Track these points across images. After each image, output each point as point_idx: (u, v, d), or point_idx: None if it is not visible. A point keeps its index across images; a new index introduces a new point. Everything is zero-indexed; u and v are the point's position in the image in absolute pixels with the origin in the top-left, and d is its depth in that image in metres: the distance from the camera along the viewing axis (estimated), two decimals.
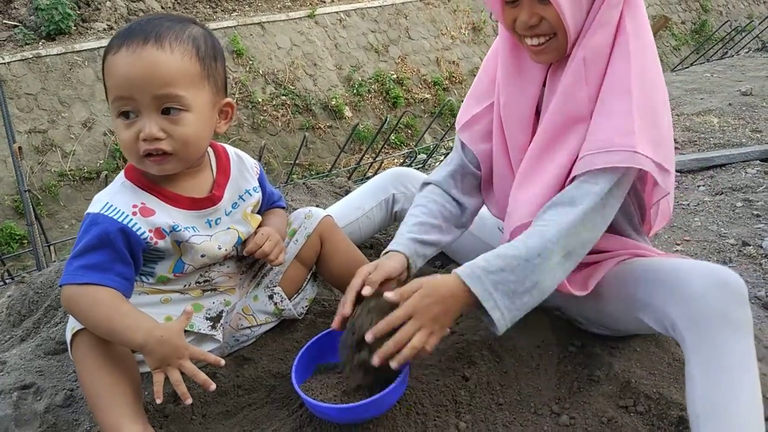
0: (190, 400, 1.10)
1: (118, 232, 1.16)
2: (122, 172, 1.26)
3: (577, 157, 1.25)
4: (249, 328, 1.46)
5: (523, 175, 1.35)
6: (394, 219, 1.89)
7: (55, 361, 1.50)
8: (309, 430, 1.20)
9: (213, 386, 1.10)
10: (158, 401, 1.08)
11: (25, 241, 6.35)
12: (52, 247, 4.07)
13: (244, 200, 1.38)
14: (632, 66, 1.21)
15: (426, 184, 1.55)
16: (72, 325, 1.20)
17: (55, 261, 2.55)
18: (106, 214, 1.17)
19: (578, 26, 1.23)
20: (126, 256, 1.17)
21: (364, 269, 1.26)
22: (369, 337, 1.11)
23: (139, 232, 1.18)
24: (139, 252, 1.20)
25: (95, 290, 1.13)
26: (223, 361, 1.14)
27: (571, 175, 1.25)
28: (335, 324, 1.22)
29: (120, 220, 1.17)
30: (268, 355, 1.44)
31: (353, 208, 1.81)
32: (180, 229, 1.24)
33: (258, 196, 1.42)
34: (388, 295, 1.15)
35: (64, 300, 1.15)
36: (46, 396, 1.37)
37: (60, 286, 1.16)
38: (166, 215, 1.23)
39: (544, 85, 1.35)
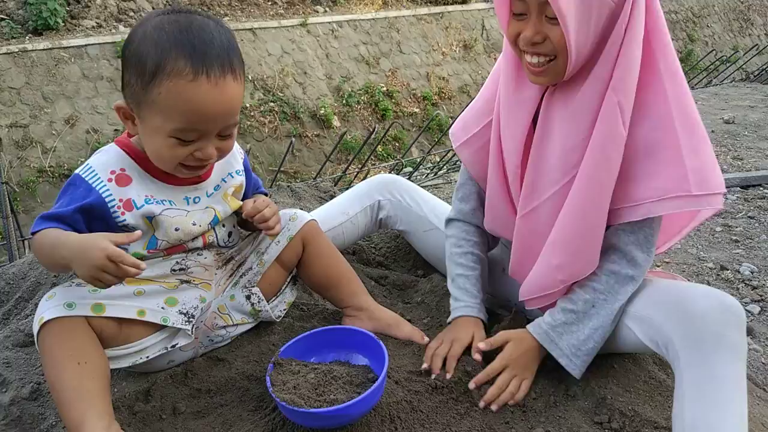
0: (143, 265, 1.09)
1: (88, 205, 1.18)
2: (114, 141, 1.28)
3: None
4: (224, 327, 1.43)
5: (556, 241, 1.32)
6: (378, 225, 1.88)
7: (23, 354, 1.46)
8: None
9: (143, 265, 1.09)
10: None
11: None
12: (26, 242, 3.98)
13: (226, 182, 1.38)
14: (673, 109, 1.20)
15: (454, 220, 1.61)
16: (40, 315, 1.16)
17: (28, 255, 2.50)
18: (83, 176, 1.20)
19: (581, 52, 1.19)
20: (83, 228, 1.19)
21: (465, 341, 1.40)
22: (472, 385, 1.31)
23: (108, 201, 1.20)
24: (109, 220, 1.22)
25: (51, 230, 1.15)
26: (144, 264, 1.10)
27: (624, 220, 1.26)
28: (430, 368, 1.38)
29: (94, 185, 1.19)
30: (243, 357, 1.41)
31: (338, 212, 1.80)
32: (151, 202, 1.24)
33: (241, 179, 1.42)
34: (480, 345, 1.34)
35: (33, 251, 1.17)
36: (12, 388, 1.33)
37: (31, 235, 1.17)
38: (141, 186, 1.24)
39: (539, 107, 1.34)
